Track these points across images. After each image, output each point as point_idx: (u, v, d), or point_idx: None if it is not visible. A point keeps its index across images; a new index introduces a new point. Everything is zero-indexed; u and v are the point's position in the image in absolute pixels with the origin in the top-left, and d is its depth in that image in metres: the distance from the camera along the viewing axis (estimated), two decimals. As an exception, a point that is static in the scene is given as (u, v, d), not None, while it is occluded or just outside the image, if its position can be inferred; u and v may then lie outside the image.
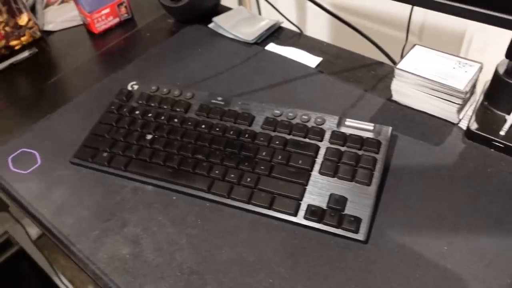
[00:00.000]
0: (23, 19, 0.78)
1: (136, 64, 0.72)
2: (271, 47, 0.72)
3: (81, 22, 0.84)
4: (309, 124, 0.54)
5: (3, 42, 0.77)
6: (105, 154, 0.55)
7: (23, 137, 0.61)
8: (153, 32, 0.79)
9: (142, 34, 0.79)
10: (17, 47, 0.79)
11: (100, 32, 0.80)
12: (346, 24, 0.66)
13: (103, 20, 0.79)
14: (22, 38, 0.79)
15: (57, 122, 0.63)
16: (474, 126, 0.52)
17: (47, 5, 0.90)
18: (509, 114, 0.52)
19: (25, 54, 0.77)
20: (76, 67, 0.74)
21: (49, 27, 0.84)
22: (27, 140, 0.61)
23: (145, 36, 0.79)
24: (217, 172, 0.51)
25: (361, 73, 0.65)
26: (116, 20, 0.81)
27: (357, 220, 0.45)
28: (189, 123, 0.56)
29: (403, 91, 0.57)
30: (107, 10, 0.79)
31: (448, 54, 0.57)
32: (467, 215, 0.46)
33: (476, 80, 0.54)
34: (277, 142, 0.52)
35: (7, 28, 0.76)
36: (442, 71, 0.54)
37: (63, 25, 0.85)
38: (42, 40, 0.82)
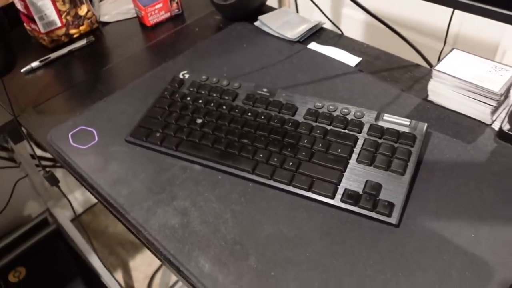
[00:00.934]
0: (83, 10, 0.84)
1: (186, 56, 0.77)
2: (313, 45, 0.76)
3: (134, 15, 0.90)
4: (349, 117, 0.58)
5: (63, 30, 0.83)
6: (158, 134, 0.60)
7: (82, 116, 0.67)
8: (202, 28, 0.85)
9: (191, 29, 0.85)
10: (75, 35, 0.85)
11: (152, 25, 0.86)
12: (386, 25, 0.69)
13: (155, 14, 0.85)
14: (81, 28, 0.86)
15: (113, 104, 0.68)
16: (506, 127, 0.55)
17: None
18: (541, 117, 0.54)
19: (83, 42, 0.83)
20: (130, 56, 0.80)
21: (104, 18, 0.91)
22: (86, 119, 0.66)
23: (194, 31, 0.84)
24: (261, 155, 0.55)
25: (398, 73, 0.68)
26: (168, 14, 0.87)
27: (390, 205, 0.48)
28: (236, 111, 0.61)
29: (440, 91, 0.60)
30: (160, 5, 0.85)
31: (485, 58, 0.59)
32: (495, 208, 0.49)
33: (510, 84, 0.57)
34: (318, 132, 0.56)
35: (68, 17, 0.83)
36: (478, 74, 0.57)
37: (117, 17, 0.91)
38: (98, 30, 0.88)
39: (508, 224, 0.47)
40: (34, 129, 0.67)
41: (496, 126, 0.58)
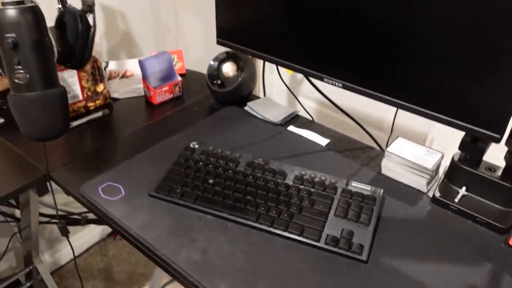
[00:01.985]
0: (101, 87, 1.01)
1: (190, 131, 0.94)
2: (292, 128, 0.97)
3: (140, 94, 1.08)
4: (326, 182, 0.77)
5: (83, 103, 0.99)
6: (178, 190, 0.75)
7: (108, 174, 0.81)
8: (200, 108, 1.04)
9: (191, 109, 1.03)
10: (91, 108, 1.01)
11: (157, 104, 1.04)
12: (348, 116, 0.92)
13: (162, 95, 1.03)
14: (97, 101, 1.02)
15: (134, 166, 0.83)
16: (437, 194, 0.77)
17: (109, 78, 1.14)
18: (461, 188, 0.77)
19: (100, 113, 0.99)
20: (141, 127, 0.96)
21: (115, 94, 1.07)
22: (112, 176, 0.81)
23: (194, 110, 1.03)
24: (262, 209, 0.72)
25: (358, 153, 0.90)
26: (171, 95, 1.06)
27: (361, 247, 0.66)
28: (240, 174, 0.78)
29: (390, 167, 0.82)
30: (166, 88, 1.04)
31: (420, 144, 0.82)
32: (431, 251, 0.68)
33: (439, 164, 0.80)
34: (304, 192, 0.75)
35: (89, 93, 0.99)
36: (417, 155, 0.79)
37: (126, 94, 1.08)
38: (110, 104, 1.05)
39: (440, 262, 0.67)
40: (65, 183, 0.80)
41: (430, 194, 0.79)
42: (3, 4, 0.63)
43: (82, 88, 0.97)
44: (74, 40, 0.76)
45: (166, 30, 1.58)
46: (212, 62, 1.03)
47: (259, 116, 0.99)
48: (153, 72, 1.02)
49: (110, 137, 0.93)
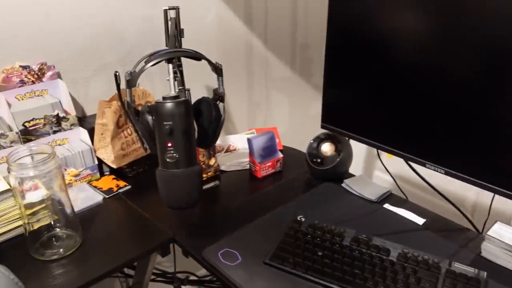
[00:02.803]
0: (213, 161, 1.15)
1: (293, 205, 1.04)
2: (387, 206, 1.03)
3: (245, 168, 1.20)
4: (430, 262, 0.82)
5: (198, 174, 1.12)
6: (291, 260, 0.84)
7: (225, 241, 0.91)
8: (299, 182, 1.14)
9: (291, 183, 1.14)
10: (204, 179, 1.14)
11: (261, 177, 1.15)
12: (445, 198, 0.97)
13: (266, 169, 1.15)
14: (209, 173, 1.15)
15: (246, 235, 0.93)
16: (542, 281, 0.79)
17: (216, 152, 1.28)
18: None
19: (211, 184, 1.12)
20: (248, 199, 1.07)
21: (222, 167, 1.20)
22: (228, 243, 0.91)
23: (293, 185, 1.13)
24: (370, 283, 0.78)
25: (455, 234, 0.94)
26: (273, 170, 1.17)
27: (470, 327, 0.70)
28: (347, 249, 0.85)
29: (491, 251, 0.85)
30: (269, 163, 1.15)
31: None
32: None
33: (541, 250, 0.82)
34: (409, 270, 0.80)
35: (203, 166, 1.12)
36: (518, 240, 0.83)
37: (232, 167, 1.21)
38: (218, 176, 1.17)
39: None
40: (188, 247, 0.91)
41: (533, 279, 0.81)
42: (164, 98, 0.78)
43: (199, 162, 1.11)
44: (208, 124, 0.90)
45: (257, 107, 1.74)
46: (312, 141, 1.14)
47: (356, 193, 1.07)
48: (259, 148, 1.15)
49: (222, 205, 1.05)
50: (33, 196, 0.91)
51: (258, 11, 1.58)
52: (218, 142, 1.32)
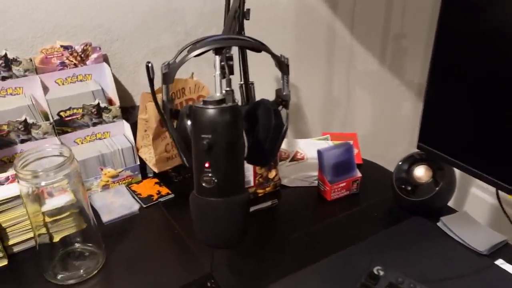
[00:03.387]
0: (273, 173, 0.93)
1: (369, 244, 0.80)
2: (501, 262, 0.76)
3: (312, 184, 0.97)
4: None
5: (253, 189, 0.92)
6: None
7: (277, 285, 0.70)
8: (379, 212, 0.89)
9: (368, 213, 0.89)
10: (260, 194, 0.94)
11: (331, 200, 0.92)
12: None
13: (338, 191, 0.91)
14: (267, 188, 0.94)
15: (308, 279, 0.72)
16: None
17: (280, 159, 1.06)
18: None
19: (268, 203, 0.91)
20: (312, 228, 0.85)
21: (284, 181, 0.99)
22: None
23: (372, 215, 0.88)
24: None
25: None
26: (347, 192, 0.93)
27: None
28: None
29: None
30: (343, 184, 0.91)
31: None
32: None
33: None
34: None
35: (260, 179, 0.92)
36: None
37: (296, 182, 0.99)
38: (278, 192, 0.96)
39: None
40: (224, 284, 0.72)
41: None
42: (204, 102, 0.57)
43: (255, 174, 0.90)
44: (265, 136, 0.68)
45: (335, 105, 1.49)
46: (401, 162, 0.88)
47: (456, 238, 0.80)
48: (331, 164, 0.91)
49: (277, 235, 0.84)
50: (54, 202, 0.76)
51: (346, -9, 1.32)
52: (283, 147, 1.11)
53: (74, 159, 0.70)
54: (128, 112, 1.04)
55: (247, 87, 0.97)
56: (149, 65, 0.63)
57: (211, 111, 0.57)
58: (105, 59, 1.01)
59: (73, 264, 0.77)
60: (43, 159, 0.72)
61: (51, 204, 0.75)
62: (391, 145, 1.53)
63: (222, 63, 0.60)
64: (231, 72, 0.61)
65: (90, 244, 0.79)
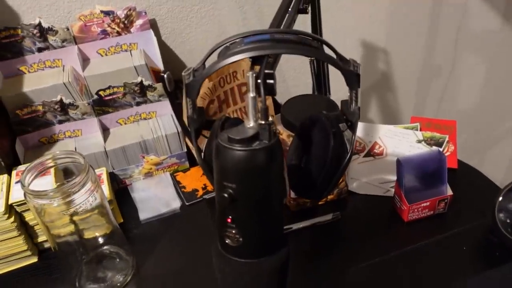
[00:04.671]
0: (338, 180, 0.76)
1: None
2: None
3: (387, 194, 0.79)
4: None
5: (312, 197, 0.76)
6: None
7: None
8: (471, 245, 0.69)
9: (457, 244, 0.70)
10: (321, 203, 0.78)
11: (408, 221, 0.74)
12: None
13: (418, 211, 0.73)
14: (329, 196, 0.78)
15: None
16: None
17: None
18: None
19: (329, 217, 0.75)
20: (381, 257, 0.68)
21: (353, 185, 0.81)
22: None
23: (461, 248, 0.69)
24: None
25: None
26: (430, 213, 0.74)
27: None
28: None
29: None
30: (427, 203, 0.72)
31: None
32: None
33: None
34: None
35: (321, 187, 0.75)
36: None
37: (367, 188, 0.81)
38: (344, 200, 0.79)
39: None
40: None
41: None
42: (230, 140, 0.41)
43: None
44: (319, 165, 0.51)
45: (435, 77, 1.22)
46: (507, 190, 0.66)
47: None
48: (413, 178, 0.72)
49: (333, 261, 0.69)
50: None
51: None
52: (359, 135, 0.92)
53: (89, 169, 0.60)
54: (178, 87, 0.90)
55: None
56: (165, 75, 0.48)
57: (237, 153, 0.41)
58: (153, 24, 0.87)
59: (99, 274, 0.69)
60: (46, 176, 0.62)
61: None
62: (499, 125, 1.25)
63: (259, 81, 0.43)
64: (272, 93, 0.43)
65: (118, 248, 0.70)
